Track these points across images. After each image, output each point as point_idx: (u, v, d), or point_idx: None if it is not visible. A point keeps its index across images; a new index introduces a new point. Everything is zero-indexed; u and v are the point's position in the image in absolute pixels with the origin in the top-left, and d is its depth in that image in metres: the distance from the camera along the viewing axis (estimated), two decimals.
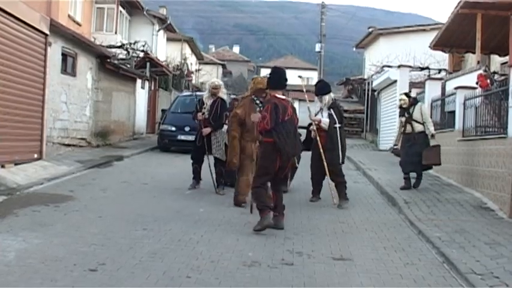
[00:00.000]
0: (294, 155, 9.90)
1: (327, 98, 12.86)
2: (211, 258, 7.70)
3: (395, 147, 15.24)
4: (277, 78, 9.91)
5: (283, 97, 9.96)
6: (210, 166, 13.52)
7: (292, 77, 59.28)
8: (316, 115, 12.97)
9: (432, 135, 14.45)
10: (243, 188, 11.74)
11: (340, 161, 12.61)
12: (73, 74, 20.28)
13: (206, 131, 13.35)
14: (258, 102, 11.64)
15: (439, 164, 14.69)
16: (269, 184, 10.03)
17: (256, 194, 9.54)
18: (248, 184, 11.28)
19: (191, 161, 13.97)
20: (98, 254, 7.63)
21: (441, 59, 28.24)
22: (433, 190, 14.34)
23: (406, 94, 15.31)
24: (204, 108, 13.55)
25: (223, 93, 13.99)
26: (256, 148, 10.66)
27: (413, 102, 14.82)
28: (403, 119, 14.71)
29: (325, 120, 12.66)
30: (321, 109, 12.88)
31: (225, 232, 9.26)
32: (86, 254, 7.59)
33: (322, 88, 13.13)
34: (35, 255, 7.38)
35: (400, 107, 14.94)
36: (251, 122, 10.88)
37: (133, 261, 7.38)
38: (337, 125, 12.60)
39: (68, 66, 19.92)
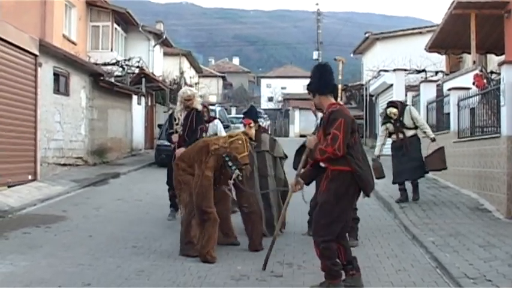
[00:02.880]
0: (373, 188, 7.11)
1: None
2: (199, 273, 7.59)
3: (376, 157, 13.18)
4: (329, 76, 7.15)
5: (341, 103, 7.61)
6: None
7: (293, 86, 59.32)
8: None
9: (433, 139, 13.19)
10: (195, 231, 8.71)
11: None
12: (66, 93, 20.23)
13: (180, 152, 10.41)
14: (230, 165, 8.58)
15: (445, 168, 13.41)
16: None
17: (327, 252, 6.68)
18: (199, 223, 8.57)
19: (167, 187, 11.88)
20: (84, 274, 7.55)
21: (438, 61, 28.16)
22: (429, 193, 14.25)
23: (393, 105, 13.38)
24: (177, 124, 11.45)
25: (198, 104, 11.60)
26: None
27: (402, 108, 13.33)
28: (390, 127, 13.23)
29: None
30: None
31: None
32: (72, 275, 7.50)
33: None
34: (21, 278, 7.29)
35: (386, 116, 13.39)
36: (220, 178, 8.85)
37: (119, 280, 7.29)
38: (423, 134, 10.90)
39: (60, 86, 19.86)
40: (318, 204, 6.94)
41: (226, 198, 9.26)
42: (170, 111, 12.84)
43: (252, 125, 10.36)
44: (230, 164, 8.44)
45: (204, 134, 11.59)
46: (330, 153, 6.56)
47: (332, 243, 6.67)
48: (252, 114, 10.64)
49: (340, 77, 9.79)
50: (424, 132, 13.20)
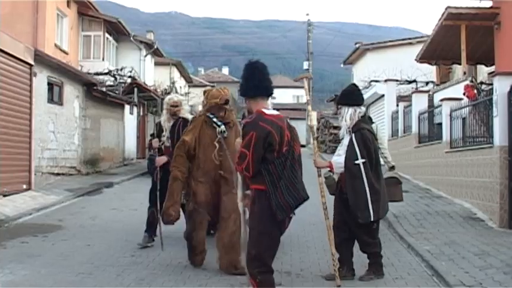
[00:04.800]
0: (298, 206, 5.93)
1: (349, 114, 7.96)
2: (199, 282, 7.66)
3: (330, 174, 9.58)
4: (260, 75, 6.12)
5: (275, 112, 6.11)
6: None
7: (282, 96, 59.44)
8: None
9: (392, 167, 11.12)
10: (199, 238, 8.35)
11: (372, 218, 7.70)
12: (60, 102, 20.28)
13: (161, 160, 10.03)
14: (215, 121, 8.25)
15: (401, 200, 11.19)
16: None
17: (266, 284, 5.83)
18: (203, 240, 8.34)
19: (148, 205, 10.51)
20: (85, 282, 7.59)
21: (428, 72, 28.34)
22: (423, 203, 14.34)
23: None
24: (163, 135, 10.29)
25: (185, 112, 10.39)
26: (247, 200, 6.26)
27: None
28: None
29: (336, 161, 8.00)
30: (346, 132, 8.12)
31: (214, 256, 8.98)
32: (73, 284, 7.54)
33: (343, 95, 8.33)
34: (21, 287, 7.32)
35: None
36: (206, 154, 8.14)
37: None
38: (360, 161, 7.69)
39: (54, 95, 19.92)
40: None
41: (236, 212, 7.40)
42: (156, 124, 11.09)
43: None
44: (215, 120, 8.25)
45: None
46: (239, 171, 5.99)
47: (270, 275, 5.86)
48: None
49: (307, 97, 8.31)
50: (385, 157, 10.58)
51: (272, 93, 6.24)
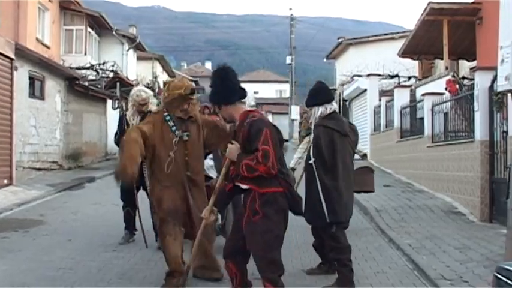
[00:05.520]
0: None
1: (319, 113, 7.55)
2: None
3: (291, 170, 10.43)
4: (234, 79, 5.90)
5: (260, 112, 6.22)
6: (139, 211, 9.69)
7: (265, 90, 59.49)
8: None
9: (364, 155, 11.04)
10: (172, 255, 7.07)
11: (328, 219, 7.15)
12: (41, 97, 20.16)
13: None
14: (172, 123, 7.11)
15: (373, 191, 11.39)
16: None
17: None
18: (177, 259, 7.10)
19: (122, 204, 10.15)
20: (66, 278, 7.55)
21: (410, 66, 28.45)
22: (404, 197, 14.42)
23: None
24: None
25: (154, 105, 9.63)
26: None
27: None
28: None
29: (294, 156, 8.46)
30: None
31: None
32: (54, 279, 7.50)
33: (311, 95, 7.85)
34: (1, 283, 7.28)
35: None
36: (169, 154, 6.97)
37: (101, 283, 7.31)
38: (312, 160, 7.33)
39: (36, 90, 19.80)
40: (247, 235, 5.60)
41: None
42: (122, 109, 9.93)
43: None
44: (171, 124, 7.04)
45: None
46: (262, 171, 5.38)
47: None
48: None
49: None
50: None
51: (246, 96, 6.01)
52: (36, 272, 7.79)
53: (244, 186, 5.61)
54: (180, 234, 7.11)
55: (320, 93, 7.70)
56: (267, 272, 5.52)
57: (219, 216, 8.41)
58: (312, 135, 7.62)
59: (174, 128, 7.05)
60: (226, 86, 5.75)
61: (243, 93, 5.86)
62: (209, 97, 6.00)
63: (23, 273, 7.75)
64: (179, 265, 7.04)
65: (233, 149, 5.57)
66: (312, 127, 7.61)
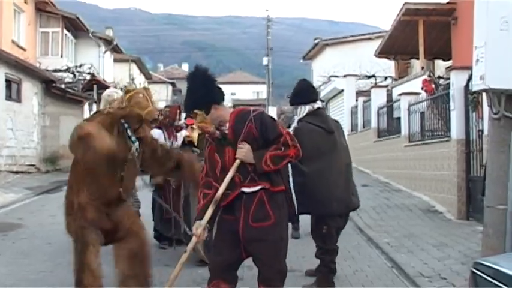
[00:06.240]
0: None
1: (305, 111, 7.45)
2: (161, 278, 7.63)
3: None
4: (215, 79, 5.41)
5: None
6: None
7: (242, 92, 59.40)
8: None
9: None
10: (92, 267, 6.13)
11: (297, 211, 6.65)
12: (18, 100, 20.05)
13: None
14: (130, 135, 6.07)
15: None
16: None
17: None
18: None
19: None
20: (47, 280, 7.56)
21: (387, 67, 28.62)
22: (382, 196, 14.53)
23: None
24: None
25: None
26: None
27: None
28: None
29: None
30: None
31: (178, 250, 8.88)
32: (34, 282, 7.50)
33: (296, 94, 7.67)
34: None
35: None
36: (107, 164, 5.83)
37: None
38: None
39: (12, 92, 19.69)
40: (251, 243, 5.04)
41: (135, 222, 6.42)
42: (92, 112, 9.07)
43: (195, 126, 8.05)
44: (129, 133, 6.03)
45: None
46: (291, 156, 5.01)
47: None
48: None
49: None
50: None
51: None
52: (17, 275, 7.78)
53: (253, 189, 5.00)
54: (98, 249, 6.24)
55: (306, 92, 7.55)
56: (274, 281, 5.10)
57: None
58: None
59: (133, 138, 6.06)
60: (211, 85, 5.24)
61: (223, 94, 5.37)
62: (193, 102, 5.24)
63: (3, 277, 7.74)
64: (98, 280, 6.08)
65: (246, 149, 4.97)
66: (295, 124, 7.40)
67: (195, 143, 8.52)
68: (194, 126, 8.31)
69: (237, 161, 4.97)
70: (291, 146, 4.95)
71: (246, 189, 5.00)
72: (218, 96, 5.21)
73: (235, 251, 5.07)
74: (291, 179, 6.83)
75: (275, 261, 5.03)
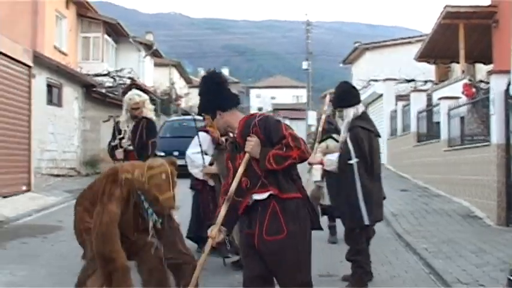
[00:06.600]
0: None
1: (352, 115, 7.29)
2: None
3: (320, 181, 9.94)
4: (227, 85, 5.26)
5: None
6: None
7: (282, 96, 59.54)
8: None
9: None
10: None
11: (366, 221, 7.13)
12: (59, 104, 20.34)
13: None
14: (148, 211, 5.82)
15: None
16: None
17: None
18: None
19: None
20: None
21: (427, 70, 28.35)
22: (421, 201, 14.40)
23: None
24: (122, 138, 9.07)
25: (149, 111, 9.16)
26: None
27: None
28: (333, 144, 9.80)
29: (329, 159, 7.42)
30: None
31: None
32: (72, 284, 7.49)
33: (341, 97, 7.51)
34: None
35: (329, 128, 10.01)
36: (121, 227, 5.67)
37: None
38: (354, 161, 7.07)
39: (53, 97, 19.99)
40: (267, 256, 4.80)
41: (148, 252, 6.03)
42: (114, 120, 9.73)
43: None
44: (146, 206, 5.74)
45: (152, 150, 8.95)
46: (294, 158, 4.69)
47: None
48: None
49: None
50: None
51: (240, 103, 5.34)
52: (55, 278, 7.86)
53: (263, 195, 4.80)
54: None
55: (349, 94, 7.44)
56: None
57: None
58: (346, 137, 7.24)
59: (149, 211, 5.78)
60: (218, 92, 5.11)
61: (238, 100, 5.21)
62: (200, 106, 5.25)
63: (42, 278, 7.84)
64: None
65: (254, 142, 4.76)
66: (344, 128, 7.33)
67: (219, 141, 8.23)
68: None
69: (246, 156, 4.81)
70: (293, 148, 4.67)
71: (257, 196, 4.81)
72: (224, 103, 5.06)
73: (259, 265, 4.84)
74: (358, 186, 6.93)
75: (295, 273, 4.78)
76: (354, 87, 7.73)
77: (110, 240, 5.53)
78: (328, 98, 8.50)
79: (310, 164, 7.45)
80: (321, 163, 7.47)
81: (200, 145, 8.38)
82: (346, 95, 7.42)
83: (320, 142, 8.91)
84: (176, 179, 5.72)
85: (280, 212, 4.72)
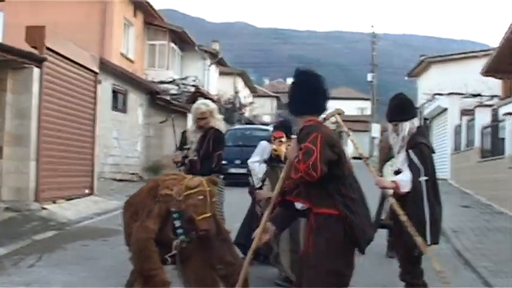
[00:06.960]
0: (370, 240, 4.92)
1: (408, 129, 6.71)
2: None
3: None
4: (302, 88, 5.07)
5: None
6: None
7: (346, 107, 59.42)
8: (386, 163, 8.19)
9: None
10: None
11: (429, 242, 6.41)
12: (124, 110, 20.70)
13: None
14: (178, 229, 5.97)
15: None
16: None
17: None
18: None
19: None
20: None
21: (493, 85, 27.84)
22: (483, 219, 14.13)
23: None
24: (189, 147, 8.64)
25: (217, 121, 8.62)
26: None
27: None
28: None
29: (403, 180, 6.62)
30: (400, 148, 6.82)
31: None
32: None
33: (396, 109, 6.93)
34: None
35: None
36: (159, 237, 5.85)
37: None
38: (423, 178, 6.47)
39: (118, 103, 20.35)
40: (302, 271, 4.76)
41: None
42: (172, 120, 9.94)
43: (284, 139, 8.18)
44: (177, 224, 5.83)
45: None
46: (302, 171, 4.48)
47: None
48: (284, 127, 8.58)
49: (345, 129, 7.01)
50: None
51: (324, 110, 5.21)
52: (112, 280, 7.98)
53: (299, 205, 4.79)
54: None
55: (406, 107, 6.92)
56: None
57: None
58: (405, 153, 6.71)
59: (179, 231, 5.89)
60: (297, 94, 5.02)
61: (314, 108, 5.03)
62: (291, 107, 5.11)
63: (101, 281, 8.00)
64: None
65: (292, 146, 4.79)
66: (400, 144, 6.77)
67: (282, 157, 7.89)
68: (282, 139, 8.13)
69: (288, 160, 4.84)
70: (301, 161, 4.50)
71: (298, 205, 4.80)
72: (301, 109, 5.00)
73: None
74: (425, 206, 6.44)
75: None
76: (410, 100, 7.18)
77: (147, 257, 5.71)
78: None
79: (383, 188, 6.71)
80: (396, 187, 6.61)
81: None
82: (402, 107, 6.89)
83: (386, 161, 8.43)
84: (217, 198, 5.90)
85: (312, 225, 4.65)
